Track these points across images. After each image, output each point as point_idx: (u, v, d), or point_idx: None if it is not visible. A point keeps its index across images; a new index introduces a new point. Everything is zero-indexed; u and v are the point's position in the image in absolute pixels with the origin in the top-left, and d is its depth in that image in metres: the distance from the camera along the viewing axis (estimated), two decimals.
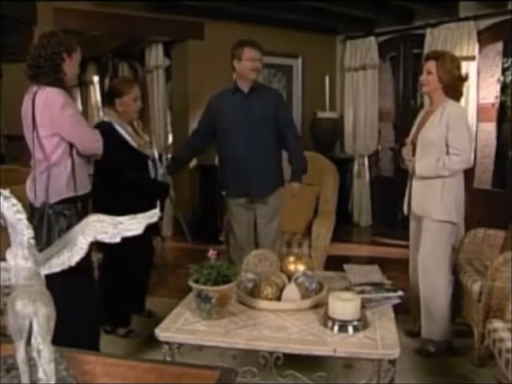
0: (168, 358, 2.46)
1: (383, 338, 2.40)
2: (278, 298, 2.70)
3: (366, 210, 7.13)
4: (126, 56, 7.85)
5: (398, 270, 4.03)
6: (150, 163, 3.64)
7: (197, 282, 2.54)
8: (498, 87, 6.65)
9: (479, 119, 5.81)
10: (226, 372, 1.51)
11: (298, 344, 2.38)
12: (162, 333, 2.48)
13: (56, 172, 2.78)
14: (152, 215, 1.34)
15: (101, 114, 5.40)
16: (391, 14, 6.39)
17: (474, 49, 5.73)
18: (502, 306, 2.90)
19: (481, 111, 5.95)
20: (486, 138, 6.62)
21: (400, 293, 2.84)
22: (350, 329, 2.45)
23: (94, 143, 2.89)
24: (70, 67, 2.83)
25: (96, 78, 8.54)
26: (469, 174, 5.51)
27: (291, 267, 2.89)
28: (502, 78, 6.48)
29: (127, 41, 7.00)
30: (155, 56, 6.53)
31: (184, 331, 2.49)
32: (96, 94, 8.61)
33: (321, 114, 6.77)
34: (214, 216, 5.97)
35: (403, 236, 3.80)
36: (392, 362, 2.37)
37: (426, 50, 5.83)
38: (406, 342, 3.41)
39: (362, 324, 2.49)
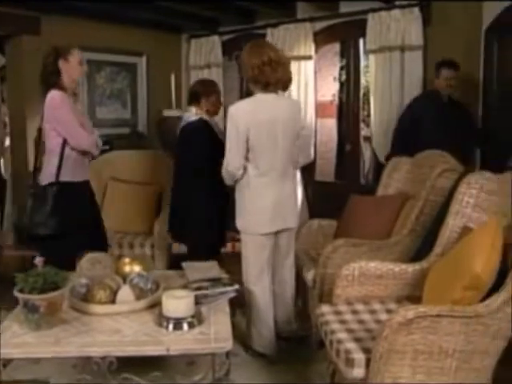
0: None
1: (216, 332, 2.43)
2: (113, 301, 2.64)
3: None
4: None
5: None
6: None
7: (22, 291, 2.41)
8: (336, 85, 7.08)
9: (318, 115, 6.07)
10: None
11: (131, 346, 2.34)
12: None
13: (53, 159, 3.37)
14: None
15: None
16: (234, 14, 6.49)
17: (311, 49, 5.99)
18: (333, 292, 3.07)
19: (320, 108, 6.24)
20: (328, 133, 7.00)
21: (236, 286, 2.89)
22: (185, 326, 2.46)
23: (83, 141, 3.40)
24: (70, 69, 3.41)
25: None
26: (310, 167, 5.83)
27: (126, 269, 2.83)
28: (337, 77, 6.91)
29: None
30: None
31: (10, 345, 2.34)
32: None
33: (167, 113, 6.71)
34: None
35: None
36: (227, 354, 2.43)
37: None
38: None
39: (197, 320, 2.51)
